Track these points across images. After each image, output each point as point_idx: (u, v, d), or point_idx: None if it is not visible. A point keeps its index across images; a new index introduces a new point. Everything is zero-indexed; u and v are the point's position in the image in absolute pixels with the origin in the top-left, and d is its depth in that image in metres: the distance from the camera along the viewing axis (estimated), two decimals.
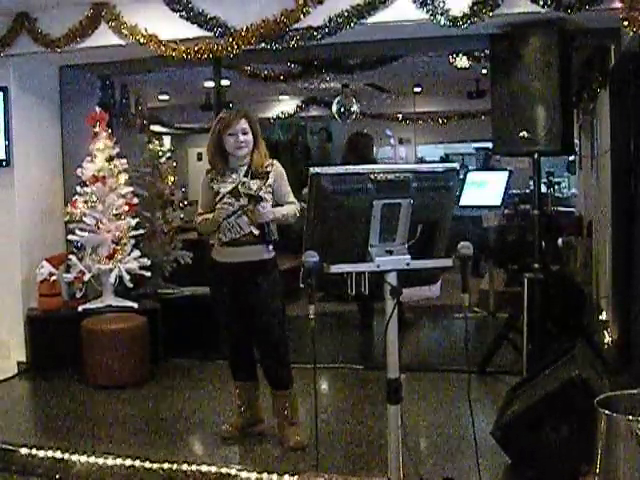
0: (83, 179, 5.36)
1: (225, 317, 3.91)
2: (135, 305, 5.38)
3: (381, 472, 3.18)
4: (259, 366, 3.95)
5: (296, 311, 4.99)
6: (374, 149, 6.66)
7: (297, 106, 10.12)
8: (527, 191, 8.93)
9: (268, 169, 3.77)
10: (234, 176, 3.75)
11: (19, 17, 5.01)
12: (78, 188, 5.39)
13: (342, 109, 9.07)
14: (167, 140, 10.55)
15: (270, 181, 3.74)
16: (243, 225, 3.70)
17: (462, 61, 6.77)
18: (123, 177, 5.46)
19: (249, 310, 3.79)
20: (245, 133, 3.74)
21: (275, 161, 3.85)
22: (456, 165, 2.58)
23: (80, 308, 5.28)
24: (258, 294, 3.74)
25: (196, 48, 4.73)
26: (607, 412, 2.37)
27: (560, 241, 7.07)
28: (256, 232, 3.69)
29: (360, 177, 2.38)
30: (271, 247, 3.73)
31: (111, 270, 5.24)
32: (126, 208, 5.41)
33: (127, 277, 5.28)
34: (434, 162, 10.81)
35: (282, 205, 3.77)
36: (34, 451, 3.77)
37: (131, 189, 5.51)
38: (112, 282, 5.29)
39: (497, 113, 4.60)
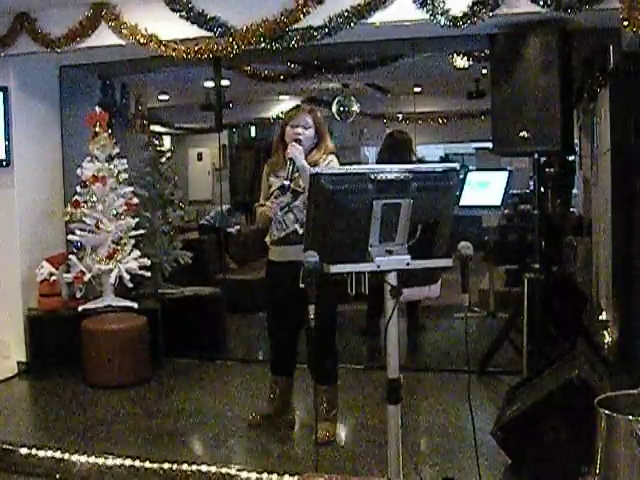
0: (83, 179, 5.35)
1: (273, 314, 4.00)
2: (135, 305, 5.37)
3: (381, 472, 3.18)
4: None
5: None
6: (412, 149, 6.58)
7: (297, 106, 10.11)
8: (527, 191, 8.92)
9: (322, 165, 3.76)
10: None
11: (19, 17, 5.01)
12: (78, 188, 5.39)
13: (342, 109, 9.07)
14: (167, 140, 10.55)
15: None
16: (289, 223, 3.75)
17: (462, 61, 6.77)
18: (123, 177, 5.46)
19: (297, 309, 3.76)
20: (306, 128, 3.79)
21: (332, 156, 3.84)
22: (456, 165, 2.57)
23: (80, 308, 5.28)
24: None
25: (196, 48, 4.73)
26: (607, 412, 2.37)
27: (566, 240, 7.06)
28: (300, 231, 3.71)
29: (360, 177, 2.38)
30: None
31: (111, 270, 5.23)
32: (126, 208, 5.41)
33: (127, 277, 5.28)
34: (434, 162, 10.80)
35: None
36: (34, 451, 3.77)
37: (131, 189, 5.51)
38: (112, 282, 5.29)
39: (497, 113, 4.60)
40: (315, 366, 3.89)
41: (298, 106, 3.97)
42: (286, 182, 3.63)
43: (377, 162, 6.59)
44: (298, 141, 3.75)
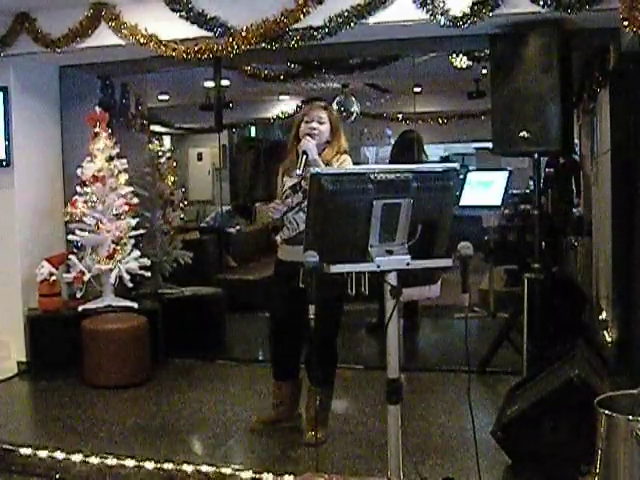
0: (83, 179, 5.35)
1: (278, 315, 3.94)
2: (135, 305, 5.37)
3: (381, 472, 3.18)
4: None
5: None
6: (424, 148, 6.59)
7: (297, 106, 10.11)
8: (527, 191, 8.93)
9: (334, 164, 3.70)
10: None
11: (19, 17, 5.01)
12: (78, 188, 5.39)
13: (342, 109, 9.07)
14: (167, 140, 10.55)
15: None
16: (300, 222, 3.66)
17: (462, 61, 6.78)
18: (123, 177, 5.45)
19: (305, 309, 3.66)
20: (321, 123, 3.74)
21: (345, 155, 3.77)
22: (456, 165, 2.58)
23: (80, 308, 5.28)
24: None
25: (196, 48, 4.72)
26: (607, 412, 2.38)
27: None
28: None
29: (360, 177, 2.38)
30: None
31: (111, 270, 5.23)
32: (126, 208, 5.41)
33: (127, 277, 5.28)
34: (434, 162, 10.80)
35: None
36: (34, 451, 3.77)
37: (131, 189, 5.51)
38: (112, 282, 5.29)
39: (497, 113, 4.60)
40: (313, 368, 3.86)
41: (312, 102, 3.91)
42: (298, 171, 3.54)
43: (389, 162, 6.65)
44: (312, 136, 3.69)
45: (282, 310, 3.88)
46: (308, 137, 3.66)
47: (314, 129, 3.72)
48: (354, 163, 3.83)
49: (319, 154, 3.69)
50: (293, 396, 4.03)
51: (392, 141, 12.44)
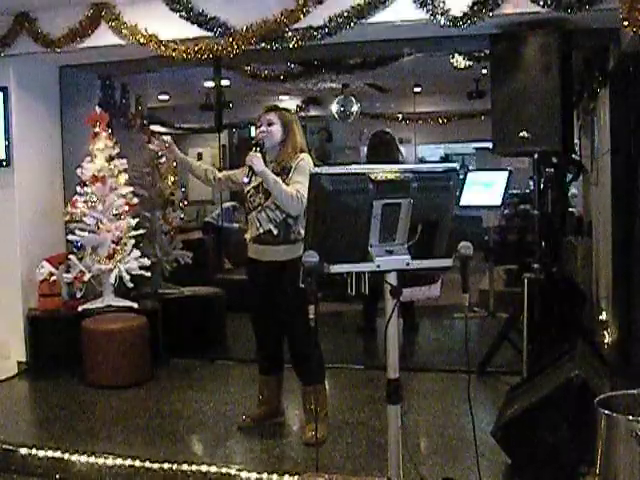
0: (83, 179, 5.35)
1: (253, 312, 4.04)
2: (135, 305, 5.37)
3: (381, 472, 3.18)
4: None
5: None
6: (399, 148, 6.61)
7: (297, 106, 10.11)
8: (527, 191, 8.93)
9: (292, 164, 3.74)
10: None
11: (19, 17, 5.02)
12: (78, 188, 5.39)
13: (342, 109, 9.08)
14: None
15: (290, 175, 3.71)
16: (262, 222, 3.77)
17: (462, 61, 6.78)
18: (123, 177, 5.45)
19: (275, 307, 3.86)
20: (270, 124, 3.79)
21: (304, 154, 3.80)
22: (456, 165, 2.58)
23: (80, 308, 5.27)
24: (283, 294, 3.77)
25: (196, 48, 4.73)
26: (607, 412, 2.37)
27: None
28: (275, 231, 3.73)
29: (360, 177, 2.38)
30: (298, 246, 3.61)
31: (111, 270, 5.23)
32: (126, 208, 5.41)
33: (127, 277, 5.27)
34: (434, 162, 10.81)
35: None
36: (34, 451, 3.78)
37: (131, 189, 5.51)
38: (112, 282, 5.29)
39: (497, 113, 4.60)
40: (298, 367, 3.93)
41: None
42: (245, 179, 3.65)
43: (365, 163, 6.62)
44: (258, 147, 3.70)
45: (257, 308, 4.00)
46: (252, 153, 3.66)
47: (263, 132, 3.79)
48: (354, 163, 3.83)
49: (276, 159, 3.77)
50: (276, 390, 4.11)
51: None
